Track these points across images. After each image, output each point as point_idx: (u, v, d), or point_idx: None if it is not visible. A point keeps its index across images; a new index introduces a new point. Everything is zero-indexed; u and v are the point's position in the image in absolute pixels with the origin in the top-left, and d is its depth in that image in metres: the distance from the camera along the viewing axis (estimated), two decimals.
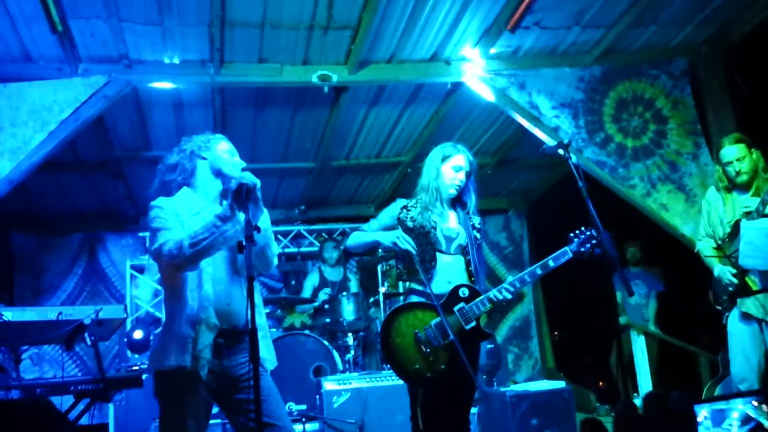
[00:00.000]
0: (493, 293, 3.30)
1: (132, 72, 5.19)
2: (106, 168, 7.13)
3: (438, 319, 3.29)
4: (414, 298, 3.44)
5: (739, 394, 3.68)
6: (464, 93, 6.06)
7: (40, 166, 5.11)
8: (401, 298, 3.71)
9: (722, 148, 4.28)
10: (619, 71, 5.78)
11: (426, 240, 3.44)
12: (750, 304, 4.07)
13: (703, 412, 3.36)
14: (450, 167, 3.55)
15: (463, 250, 3.51)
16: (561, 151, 3.27)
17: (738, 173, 4.18)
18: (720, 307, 4.35)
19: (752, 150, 4.20)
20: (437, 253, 3.46)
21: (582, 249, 3.28)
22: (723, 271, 4.19)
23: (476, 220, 3.63)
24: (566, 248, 3.31)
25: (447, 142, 3.72)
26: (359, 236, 3.60)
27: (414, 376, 3.31)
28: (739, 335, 4.17)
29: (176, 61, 5.25)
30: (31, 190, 7.18)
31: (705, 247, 4.41)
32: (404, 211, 3.56)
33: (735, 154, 4.18)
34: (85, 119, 5.12)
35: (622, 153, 5.63)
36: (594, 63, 5.74)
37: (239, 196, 2.68)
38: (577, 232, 3.32)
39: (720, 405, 3.43)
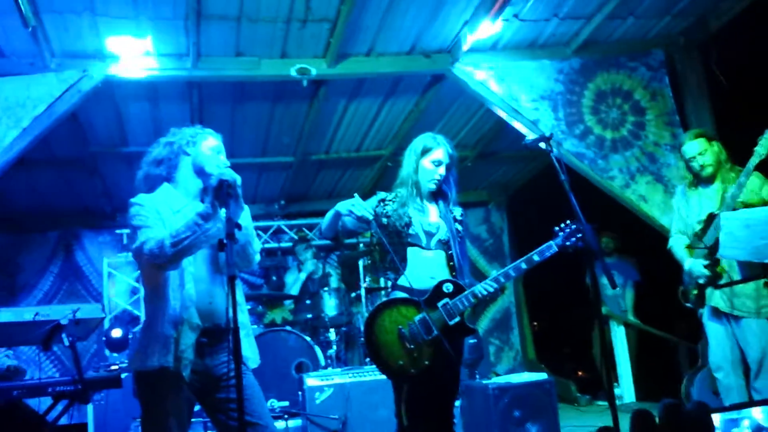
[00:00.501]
0: (478, 289, 3.27)
1: (106, 66, 5.10)
2: (82, 164, 7.03)
3: (422, 315, 3.26)
4: (397, 294, 3.39)
5: (751, 403, 3.72)
6: (444, 86, 6.06)
7: (14, 163, 5.02)
8: (383, 293, 3.68)
9: (683, 144, 4.36)
10: (597, 63, 5.80)
11: (398, 239, 3.39)
12: (717, 298, 4.15)
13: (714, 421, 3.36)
14: (430, 161, 3.48)
15: (444, 245, 3.46)
16: (543, 145, 3.25)
17: (702, 167, 4.24)
18: (690, 305, 4.42)
19: (713, 142, 4.27)
20: (415, 250, 3.41)
21: (567, 243, 3.24)
22: (695, 264, 4.26)
23: (457, 212, 3.58)
24: (551, 242, 3.27)
25: (427, 132, 3.64)
26: (326, 217, 3.50)
27: (398, 373, 3.28)
28: (711, 328, 4.26)
29: (152, 55, 5.16)
30: (5, 187, 7.05)
31: (676, 243, 4.47)
32: (381, 204, 3.49)
33: (696, 149, 4.26)
34: (60, 115, 5.03)
35: (601, 145, 5.65)
36: (573, 55, 5.76)
37: (220, 193, 2.63)
38: (562, 225, 3.27)
39: (732, 414, 3.45)
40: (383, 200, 3.51)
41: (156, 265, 2.68)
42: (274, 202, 8.74)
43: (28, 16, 4.42)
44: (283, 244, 8.57)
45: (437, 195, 3.57)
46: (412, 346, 3.25)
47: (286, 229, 8.64)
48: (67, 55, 5.01)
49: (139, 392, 2.78)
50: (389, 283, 3.53)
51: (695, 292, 4.30)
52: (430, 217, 3.50)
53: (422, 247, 3.41)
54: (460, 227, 3.53)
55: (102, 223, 8.26)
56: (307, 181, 8.36)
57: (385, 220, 3.43)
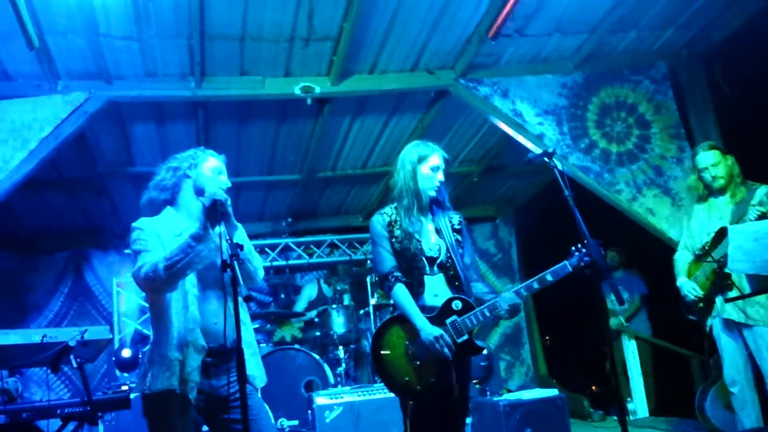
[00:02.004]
0: (488, 306, 3.24)
1: (112, 87, 5.14)
2: (90, 185, 7.06)
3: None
4: None
5: None
6: (448, 102, 6.06)
7: (22, 184, 5.04)
8: (391, 309, 3.66)
9: (697, 155, 4.42)
10: (601, 77, 5.80)
11: (414, 264, 3.38)
12: (730, 310, 4.15)
13: None
14: (428, 168, 3.45)
15: (443, 267, 3.42)
16: (546, 160, 3.24)
17: (714, 178, 4.31)
18: (694, 317, 4.41)
19: (726, 156, 4.35)
20: (424, 276, 3.39)
21: (581, 263, 3.16)
22: (686, 285, 4.32)
23: (455, 220, 3.53)
24: (566, 262, 3.19)
25: (416, 141, 3.60)
26: (405, 300, 3.33)
27: (404, 389, 3.27)
28: (724, 341, 4.25)
29: (156, 75, 5.20)
30: (14, 209, 7.10)
31: (680, 258, 4.53)
32: (390, 228, 3.44)
33: (710, 160, 4.32)
34: (66, 136, 5.06)
35: (607, 158, 5.63)
36: (576, 69, 5.76)
37: (213, 214, 2.64)
38: (579, 246, 3.19)
39: None
40: (390, 224, 3.45)
41: (153, 289, 2.70)
42: (281, 220, 8.75)
43: (33, 38, 4.47)
44: (291, 262, 8.57)
45: (433, 203, 3.53)
46: (418, 363, 3.25)
47: (294, 247, 8.64)
48: (73, 76, 5.05)
49: (146, 414, 2.79)
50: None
51: (701, 305, 4.29)
52: (430, 237, 3.46)
53: (425, 273, 3.40)
54: (459, 237, 3.49)
55: (111, 243, 8.27)
56: (314, 199, 8.37)
57: (397, 245, 3.40)
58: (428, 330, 3.22)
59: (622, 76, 5.81)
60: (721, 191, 4.33)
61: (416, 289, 3.37)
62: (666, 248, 5.52)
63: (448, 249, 3.42)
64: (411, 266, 3.39)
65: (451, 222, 3.51)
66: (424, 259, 3.39)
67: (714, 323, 4.30)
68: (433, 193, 3.46)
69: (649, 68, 5.85)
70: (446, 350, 3.19)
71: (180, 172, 2.95)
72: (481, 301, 3.33)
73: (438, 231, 3.47)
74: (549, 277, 3.22)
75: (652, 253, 6.07)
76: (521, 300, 3.25)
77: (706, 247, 4.23)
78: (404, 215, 3.43)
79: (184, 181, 2.95)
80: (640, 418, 6.67)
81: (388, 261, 3.42)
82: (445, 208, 3.54)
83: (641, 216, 5.52)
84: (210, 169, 2.97)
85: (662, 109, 5.77)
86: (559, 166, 3.14)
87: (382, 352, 3.33)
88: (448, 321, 3.27)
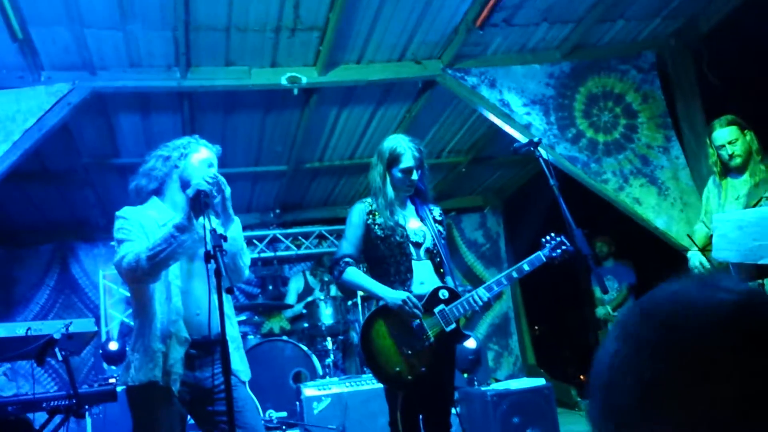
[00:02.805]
0: (472, 297, 3.29)
1: (96, 78, 5.08)
2: (74, 177, 7.00)
3: (418, 321, 3.26)
4: None
5: None
6: (436, 92, 6.04)
7: (5, 177, 4.99)
8: (363, 305, 3.69)
9: (714, 131, 4.13)
10: (588, 67, 5.80)
11: (400, 249, 3.37)
12: None
13: None
14: (399, 170, 3.41)
15: (430, 253, 3.45)
16: (532, 149, 3.27)
17: (731, 156, 4.06)
18: None
19: (745, 132, 4.08)
20: (413, 263, 3.40)
21: (553, 254, 3.34)
22: (695, 256, 4.20)
23: (437, 212, 3.56)
24: (539, 253, 3.35)
25: (392, 136, 3.55)
26: (355, 277, 3.37)
27: (395, 379, 3.27)
28: None
29: (141, 66, 5.15)
30: None
31: (697, 230, 4.34)
32: (370, 217, 3.44)
33: (727, 136, 4.07)
34: (50, 128, 5.00)
35: (594, 148, 5.64)
36: (563, 59, 5.75)
37: (197, 204, 2.61)
38: (548, 237, 3.37)
39: None
40: (371, 212, 3.45)
41: (135, 279, 2.68)
42: (269, 211, 8.71)
43: (16, 30, 4.41)
44: (279, 254, 8.55)
45: (413, 196, 3.56)
46: (409, 353, 3.24)
47: (282, 238, 8.62)
48: (56, 67, 4.98)
49: (130, 406, 2.78)
50: None
51: None
52: (413, 224, 3.47)
53: (414, 260, 3.40)
54: (441, 228, 3.52)
55: (97, 235, 8.21)
56: (301, 190, 8.34)
57: (380, 231, 3.39)
58: (393, 295, 3.24)
59: (610, 65, 5.81)
60: (740, 170, 4.08)
61: (404, 275, 3.35)
62: (655, 238, 5.55)
63: (433, 237, 3.45)
64: (399, 252, 3.37)
65: (432, 214, 3.53)
66: (410, 244, 3.39)
67: None
68: (409, 191, 3.48)
69: (637, 58, 5.85)
70: (416, 311, 3.22)
71: (170, 162, 2.92)
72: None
73: (422, 219, 3.50)
74: (526, 267, 3.35)
75: (641, 242, 6.10)
76: (491, 294, 3.31)
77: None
78: (383, 209, 3.42)
79: (173, 171, 2.92)
80: None
81: (346, 248, 3.43)
82: (427, 200, 3.56)
83: (628, 205, 5.53)
84: (199, 160, 2.94)
85: (649, 99, 5.78)
86: (545, 156, 3.16)
87: (371, 342, 3.30)
88: (436, 310, 3.29)
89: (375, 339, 3.30)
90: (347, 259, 3.40)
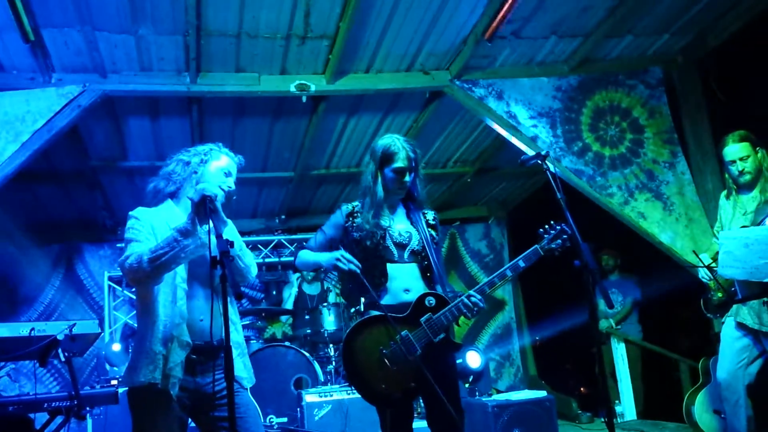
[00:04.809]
0: (462, 300, 3.08)
1: (106, 81, 5.12)
2: (83, 178, 7.04)
3: (404, 333, 3.05)
4: (373, 312, 3.17)
5: None
6: (443, 102, 6.07)
7: (13, 177, 5.02)
8: (354, 311, 3.58)
9: (726, 145, 4.07)
10: (596, 81, 5.82)
11: (374, 253, 3.21)
12: (745, 314, 3.98)
13: None
14: (392, 169, 3.27)
15: (417, 256, 3.27)
16: (540, 162, 3.23)
17: (741, 173, 4.02)
18: (711, 315, 4.27)
19: (758, 149, 4.02)
20: (387, 265, 3.22)
21: (552, 245, 3.14)
22: (705, 273, 4.18)
23: (430, 216, 3.39)
24: (536, 246, 3.16)
25: (388, 134, 3.41)
26: (304, 255, 3.35)
27: (381, 397, 3.07)
28: (731, 343, 4.06)
29: (151, 70, 5.19)
30: (6, 201, 7.06)
31: (714, 244, 4.27)
32: (350, 219, 3.31)
33: (738, 152, 4.01)
34: (59, 129, 5.04)
35: (600, 162, 5.65)
36: (571, 72, 5.77)
37: (201, 209, 2.62)
38: (547, 227, 3.17)
39: None
40: (351, 214, 3.34)
41: (136, 280, 2.69)
42: (274, 217, 8.74)
43: (28, 31, 4.45)
44: (284, 259, 8.56)
45: (405, 200, 3.40)
46: (395, 368, 3.03)
47: (287, 244, 8.63)
48: (67, 69, 5.03)
49: (130, 407, 2.78)
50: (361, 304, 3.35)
51: (719, 295, 4.09)
52: (400, 225, 3.32)
53: (395, 261, 3.23)
54: (434, 233, 3.36)
55: (103, 236, 8.25)
56: (307, 196, 8.36)
57: (357, 234, 3.26)
58: (327, 257, 3.18)
59: (617, 80, 5.83)
60: (749, 186, 4.04)
61: (378, 279, 3.18)
62: (660, 252, 5.55)
63: (422, 239, 3.28)
64: (374, 255, 3.20)
65: (425, 217, 3.38)
66: (391, 245, 3.23)
67: (727, 322, 4.10)
68: (400, 194, 3.34)
69: (644, 73, 5.87)
70: (352, 266, 3.10)
71: (190, 168, 2.93)
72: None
73: (411, 222, 3.34)
74: (521, 263, 3.15)
75: (647, 257, 6.09)
76: (483, 296, 3.12)
77: None
78: (368, 210, 3.28)
79: (191, 176, 2.93)
80: (628, 420, 6.69)
81: (309, 242, 3.41)
82: (420, 205, 3.40)
83: (633, 220, 5.54)
84: (217, 168, 2.95)
85: (656, 114, 5.79)
86: (552, 169, 3.13)
87: (354, 358, 3.08)
88: (422, 320, 3.08)
89: (358, 354, 3.08)
90: (302, 249, 3.39)
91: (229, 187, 2.83)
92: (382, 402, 3.12)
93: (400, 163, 3.27)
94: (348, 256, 3.14)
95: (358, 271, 3.12)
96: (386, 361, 3.05)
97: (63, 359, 4.12)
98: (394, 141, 3.33)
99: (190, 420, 2.85)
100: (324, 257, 3.22)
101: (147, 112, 5.90)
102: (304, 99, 5.55)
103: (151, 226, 2.79)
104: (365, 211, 3.28)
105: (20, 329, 4.05)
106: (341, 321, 6.65)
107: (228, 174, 2.97)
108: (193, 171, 2.93)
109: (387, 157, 3.29)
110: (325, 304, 6.80)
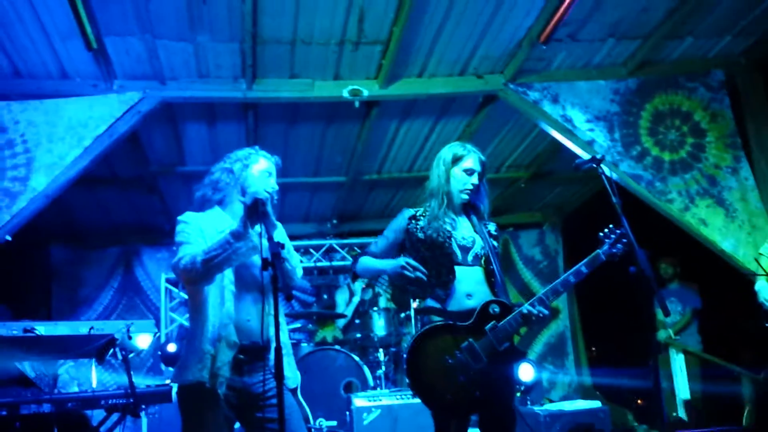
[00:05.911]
0: (527, 307, 3.02)
1: (165, 88, 5.26)
2: (142, 183, 7.23)
3: (468, 342, 3.01)
4: (433, 318, 3.14)
5: None
6: (496, 106, 6.02)
7: (76, 181, 5.19)
8: (416, 318, 3.53)
9: None
10: (655, 83, 5.67)
11: (441, 251, 3.18)
12: None
13: None
14: (461, 170, 3.29)
15: (481, 260, 3.24)
16: (595, 166, 3.15)
17: None
18: None
19: None
20: (455, 266, 3.19)
21: (614, 250, 3.05)
22: (763, 286, 4.05)
23: (492, 227, 3.36)
24: (598, 251, 3.07)
25: (454, 143, 3.45)
26: (365, 263, 3.34)
27: (449, 408, 3.01)
28: None
29: (209, 77, 5.29)
30: (68, 204, 7.30)
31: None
32: (413, 221, 3.29)
33: None
34: (120, 135, 5.20)
35: (659, 167, 5.50)
36: (629, 75, 5.65)
37: (253, 212, 2.67)
38: (607, 231, 3.09)
39: None
40: (414, 217, 3.32)
41: (189, 281, 2.76)
42: (326, 221, 8.78)
43: (91, 39, 4.60)
44: (335, 263, 8.61)
45: (469, 208, 3.37)
46: (462, 378, 2.98)
47: (339, 248, 8.68)
48: (128, 76, 5.18)
49: (180, 405, 2.84)
50: (425, 303, 3.27)
51: None
52: (464, 231, 3.28)
53: (459, 263, 3.19)
54: (496, 243, 3.32)
55: (161, 240, 8.43)
56: (359, 201, 8.39)
57: (421, 234, 3.23)
58: (392, 264, 3.13)
59: (677, 83, 5.67)
60: None
61: (445, 277, 3.15)
62: (718, 260, 5.37)
63: (485, 245, 3.25)
64: (441, 253, 3.17)
65: (488, 228, 3.35)
66: (455, 246, 3.20)
67: None
68: (465, 196, 3.30)
69: (705, 76, 5.69)
70: (418, 273, 3.06)
71: (234, 175, 3.01)
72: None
73: (475, 230, 3.31)
74: (584, 269, 3.07)
75: (708, 265, 5.89)
76: (546, 304, 3.04)
77: None
78: (435, 213, 3.26)
79: (236, 182, 3.00)
80: None
81: (371, 247, 3.38)
82: (482, 216, 3.37)
83: (693, 227, 5.37)
84: (259, 171, 3.01)
85: (718, 118, 5.61)
86: (608, 173, 3.05)
87: (420, 369, 3.03)
88: (487, 328, 3.03)
89: (423, 364, 3.03)
90: (363, 255, 3.37)
91: (273, 188, 2.87)
92: (450, 413, 3.05)
93: (470, 163, 3.30)
94: (413, 263, 3.11)
95: (425, 278, 3.10)
96: (452, 371, 3.00)
97: (120, 358, 4.22)
98: (464, 146, 3.38)
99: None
100: (388, 265, 3.19)
101: (204, 118, 6.03)
102: (357, 104, 5.59)
103: (200, 229, 2.87)
104: (433, 210, 3.27)
105: (80, 328, 4.18)
106: (391, 326, 6.64)
107: (270, 174, 3.03)
108: (237, 177, 2.99)
109: (458, 157, 3.33)
110: (375, 308, 6.80)
